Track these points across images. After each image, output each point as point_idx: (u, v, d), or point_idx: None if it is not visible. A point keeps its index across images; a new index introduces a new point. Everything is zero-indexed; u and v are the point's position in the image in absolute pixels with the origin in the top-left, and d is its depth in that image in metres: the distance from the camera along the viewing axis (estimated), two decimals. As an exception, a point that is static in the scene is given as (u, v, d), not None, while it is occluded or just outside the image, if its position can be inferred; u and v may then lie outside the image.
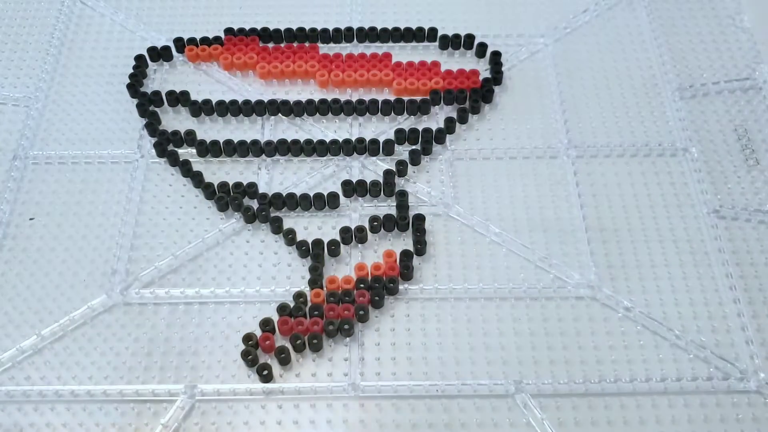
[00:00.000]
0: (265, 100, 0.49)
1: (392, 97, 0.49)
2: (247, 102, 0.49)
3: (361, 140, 0.47)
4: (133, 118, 0.49)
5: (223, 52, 0.51)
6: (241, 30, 0.53)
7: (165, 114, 0.50)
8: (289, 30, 0.52)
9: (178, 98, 0.49)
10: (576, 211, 0.45)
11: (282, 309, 0.41)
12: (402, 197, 0.45)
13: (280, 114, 0.49)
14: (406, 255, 0.43)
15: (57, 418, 0.38)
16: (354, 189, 0.45)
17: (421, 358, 0.40)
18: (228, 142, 0.47)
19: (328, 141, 0.47)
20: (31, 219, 0.45)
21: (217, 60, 0.52)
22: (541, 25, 0.54)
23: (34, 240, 0.44)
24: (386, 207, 0.45)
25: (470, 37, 0.52)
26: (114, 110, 0.50)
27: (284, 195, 0.45)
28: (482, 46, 0.52)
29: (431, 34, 0.52)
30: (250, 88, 0.51)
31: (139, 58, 0.52)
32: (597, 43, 0.53)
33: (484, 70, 0.51)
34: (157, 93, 0.50)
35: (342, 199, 0.45)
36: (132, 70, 0.51)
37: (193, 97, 0.50)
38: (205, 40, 0.52)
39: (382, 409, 0.38)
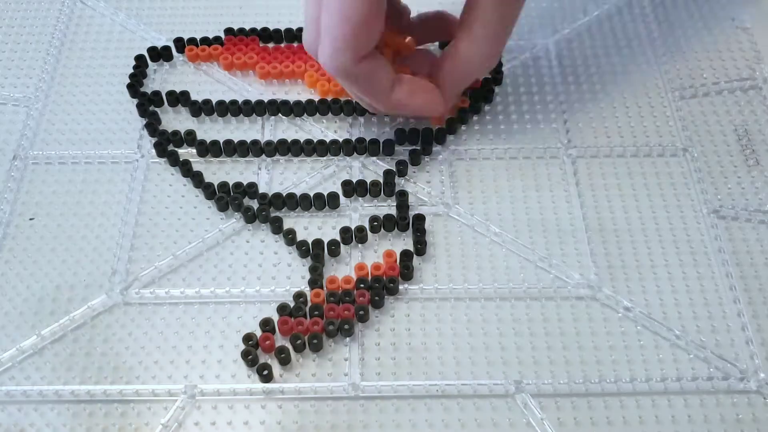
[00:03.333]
0: (265, 100, 0.49)
1: (392, 97, 0.49)
2: (247, 102, 0.49)
3: (361, 140, 0.47)
4: (133, 118, 0.49)
5: (223, 52, 0.51)
6: (241, 30, 0.53)
7: (165, 114, 0.50)
8: (289, 30, 0.52)
9: (178, 98, 0.49)
10: (576, 211, 0.45)
11: (282, 309, 0.41)
12: (402, 197, 0.45)
13: (280, 114, 0.49)
14: (406, 255, 0.43)
15: (57, 418, 0.38)
16: (354, 189, 0.45)
17: (421, 358, 0.40)
18: (228, 142, 0.47)
19: (328, 141, 0.47)
20: (31, 219, 0.45)
21: (217, 60, 0.52)
22: (541, 25, 0.54)
23: (34, 240, 0.44)
24: (386, 207, 0.45)
25: (470, 37, 0.52)
26: (114, 110, 0.50)
27: (284, 195, 0.45)
28: (482, 46, 0.52)
29: (431, 34, 0.52)
30: (250, 88, 0.51)
31: (139, 58, 0.52)
32: (597, 43, 0.53)
33: (484, 70, 0.51)
34: (157, 93, 0.50)
35: (342, 199, 0.45)
36: (132, 70, 0.51)
37: (193, 97, 0.50)
38: (205, 40, 0.52)
39: (382, 409, 0.38)
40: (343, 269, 0.43)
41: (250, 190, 0.45)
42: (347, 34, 0.39)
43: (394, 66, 0.44)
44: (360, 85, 0.42)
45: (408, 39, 0.45)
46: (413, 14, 0.48)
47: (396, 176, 0.46)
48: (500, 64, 0.51)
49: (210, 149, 0.47)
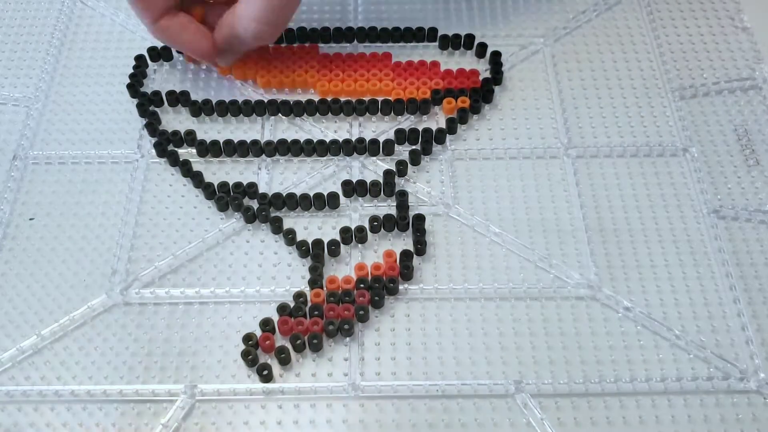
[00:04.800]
0: (265, 100, 0.49)
1: (392, 97, 0.49)
2: (247, 102, 0.49)
3: (361, 140, 0.47)
4: (133, 118, 0.49)
5: None
6: (241, 30, 0.53)
7: (165, 114, 0.50)
8: (289, 30, 0.52)
9: (178, 98, 0.49)
10: (576, 211, 0.45)
11: (282, 309, 0.41)
12: (402, 197, 0.45)
13: (280, 114, 0.49)
14: (406, 255, 0.43)
15: (57, 418, 0.38)
16: (354, 189, 0.45)
17: (421, 358, 0.40)
18: (228, 142, 0.47)
19: (328, 141, 0.47)
20: (31, 219, 0.45)
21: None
22: (541, 25, 0.54)
23: (34, 240, 0.44)
24: (386, 207, 0.45)
25: (470, 37, 0.52)
26: (114, 110, 0.50)
27: (284, 195, 0.45)
28: (482, 46, 0.52)
29: (431, 34, 0.52)
30: (251, 88, 0.51)
31: (139, 58, 0.52)
32: (597, 43, 0.53)
33: (484, 70, 0.51)
34: (157, 93, 0.50)
35: (342, 199, 0.45)
36: (132, 70, 0.51)
37: (193, 97, 0.50)
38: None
39: (382, 409, 0.38)
40: (343, 269, 0.43)
41: (250, 190, 0.45)
42: None
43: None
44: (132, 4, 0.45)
45: None
46: None
47: (396, 176, 0.46)
48: (500, 64, 0.51)
49: (210, 149, 0.47)
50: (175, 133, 0.48)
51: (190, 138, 0.48)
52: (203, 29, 0.47)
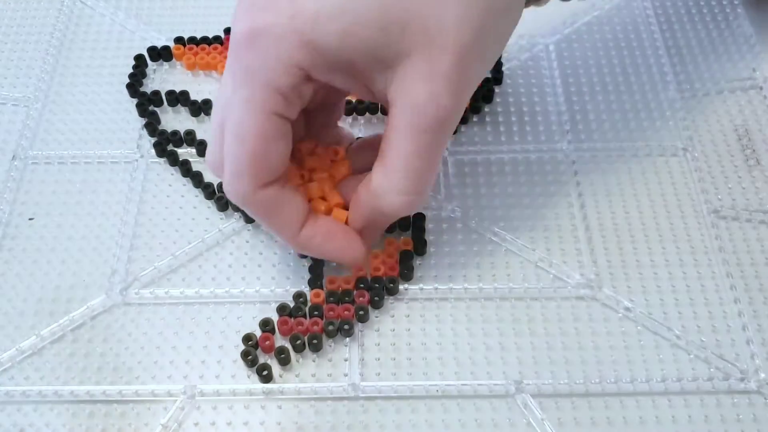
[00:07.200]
0: (265, 100, 0.49)
1: (392, 97, 0.49)
2: (247, 102, 0.49)
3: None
4: (133, 118, 0.49)
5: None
6: (241, 30, 0.53)
7: (165, 114, 0.50)
8: (289, 30, 0.52)
9: (178, 98, 0.49)
10: (576, 211, 0.45)
11: (282, 309, 0.41)
12: (402, 197, 0.45)
13: (280, 114, 0.49)
14: (406, 255, 0.42)
15: (57, 418, 0.38)
16: (354, 189, 0.45)
17: (421, 359, 0.40)
18: (228, 142, 0.47)
19: (328, 141, 0.47)
20: (30, 219, 0.45)
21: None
22: (542, 24, 0.54)
23: (34, 240, 0.44)
24: (386, 207, 0.45)
25: (470, 37, 0.52)
26: (114, 110, 0.50)
27: (284, 195, 0.45)
28: (482, 46, 0.52)
29: (431, 34, 0.52)
30: (250, 88, 0.51)
31: (138, 58, 0.52)
32: (597, 43, 0.53)
33: (484, 70, 0.51)
34: (156, 93, 0.50)
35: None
36: (131, 70, 0.51)
37: (193, 96, 0.50)
38: (205, 40, 0.52)
39: (382, 409, 0.38)
40: (343, 269, 0.43)
41: (250, 190, 0.45)
42: (243, 156, 0.34)
43: (332, 193, 0.39)
44: (261, 216, 0.37)
45: (341, 157, 0.40)
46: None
47: (396, 176, 0.46)
48: (500, 64, 0.51)
49: (210, 149, 0.47)
50: (175, 133, 0.48)
51: (189, 138, 0.48)
52: (350, 231, 0.38)
